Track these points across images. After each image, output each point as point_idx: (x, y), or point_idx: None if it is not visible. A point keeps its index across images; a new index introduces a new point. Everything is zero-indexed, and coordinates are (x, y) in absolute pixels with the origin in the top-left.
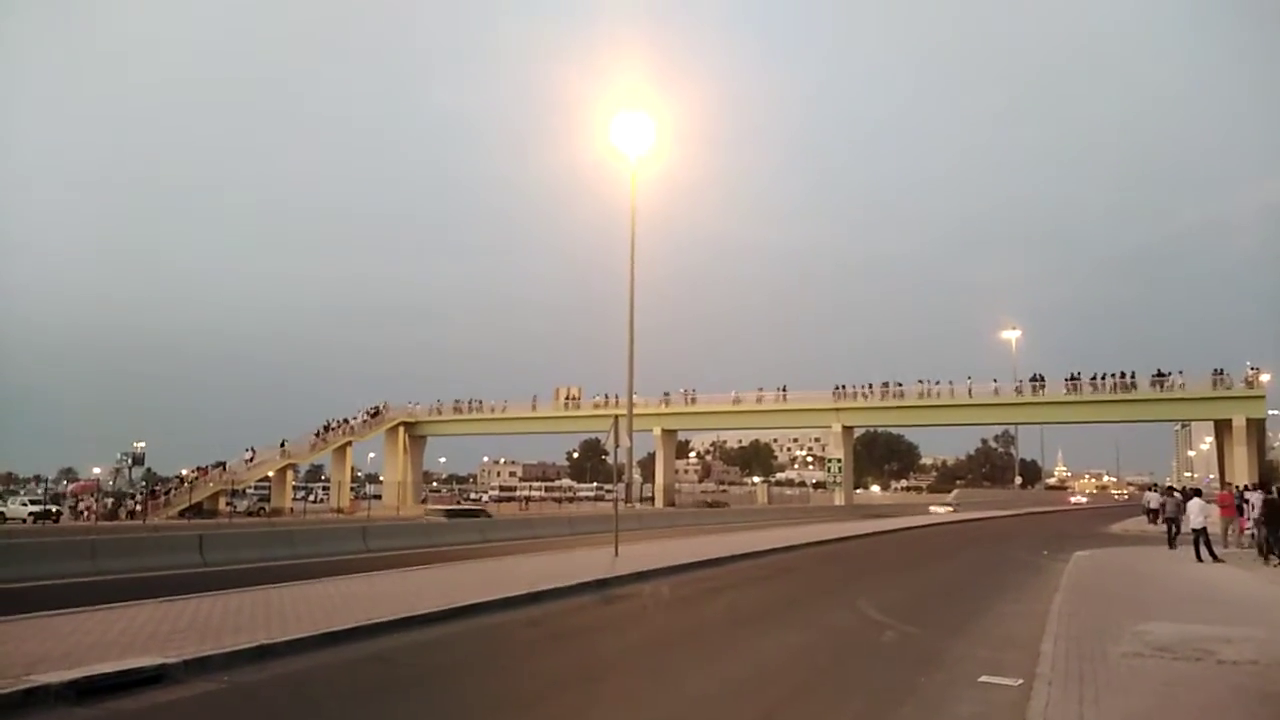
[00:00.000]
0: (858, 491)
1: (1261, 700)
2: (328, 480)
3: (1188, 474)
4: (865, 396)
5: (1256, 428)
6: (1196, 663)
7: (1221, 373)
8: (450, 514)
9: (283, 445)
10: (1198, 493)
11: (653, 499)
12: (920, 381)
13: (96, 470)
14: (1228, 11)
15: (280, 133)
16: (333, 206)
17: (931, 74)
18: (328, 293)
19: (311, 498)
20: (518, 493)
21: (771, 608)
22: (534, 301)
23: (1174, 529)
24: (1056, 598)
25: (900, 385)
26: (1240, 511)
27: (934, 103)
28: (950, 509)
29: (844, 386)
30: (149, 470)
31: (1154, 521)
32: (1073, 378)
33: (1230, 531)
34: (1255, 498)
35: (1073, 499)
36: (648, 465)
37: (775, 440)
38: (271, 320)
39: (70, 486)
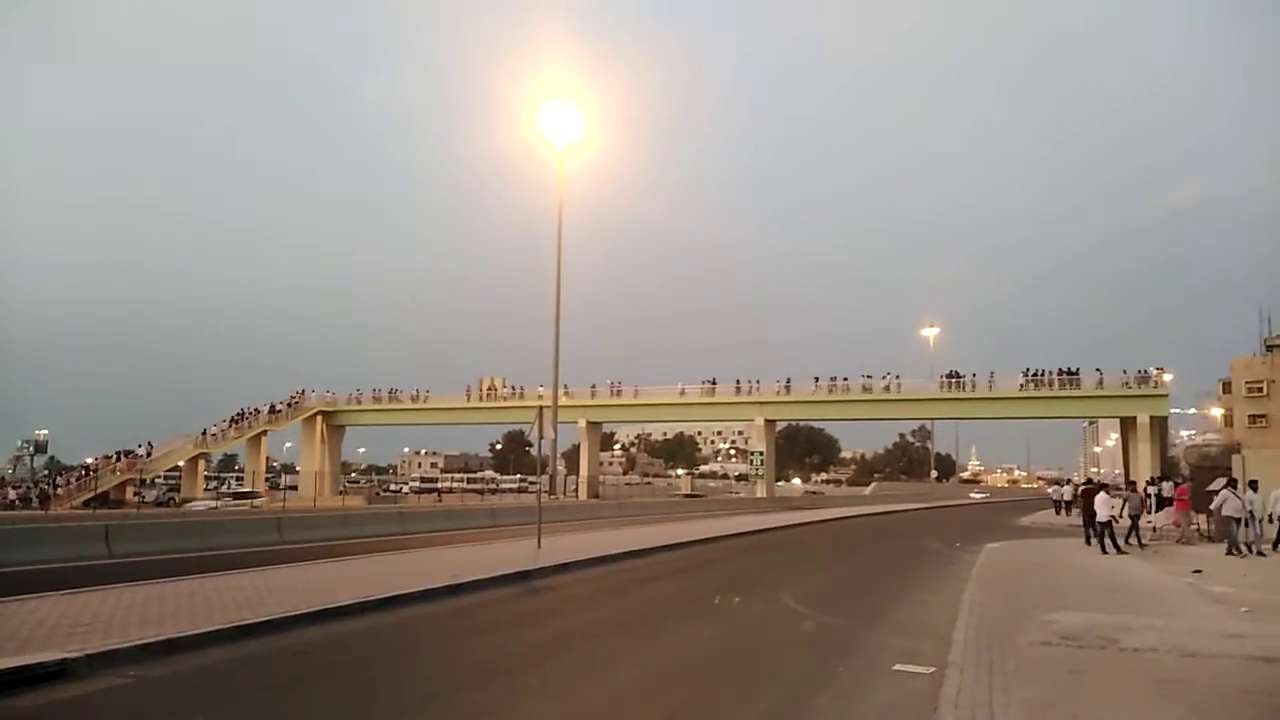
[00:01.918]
0: (779, 484)
1: (1159, 685)
2: (241, 470)
3: (1094, 469)
4: (787, 390)
5: (1159, 425)
6: (1101, 651)
7: (1140, 373)
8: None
9: (205, 433)
10: (1104, 487)
11: (577, 491)
12: (862, 377)
13: None
14: (1139, 22)
15: (205, 121)
16: (250, 196)
17: (854, 76)
18: (245, 282)
19: (225, 488)
20: (439, 484)
21: (694, 598)
22: (459, 291)
23: (1135, 524)
24: (968, 588)
25: (843, 380)
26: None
27: (856, 106)
28: (985, 495)
29: (765, 383)
30: (52, 459)
31: (1062, 513)
32: (1040, 373)
33: (1188, 527)
34: (1225, 491)
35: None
36: (572, 457)
37: (699, 433)
38: (183, 309)
39: None
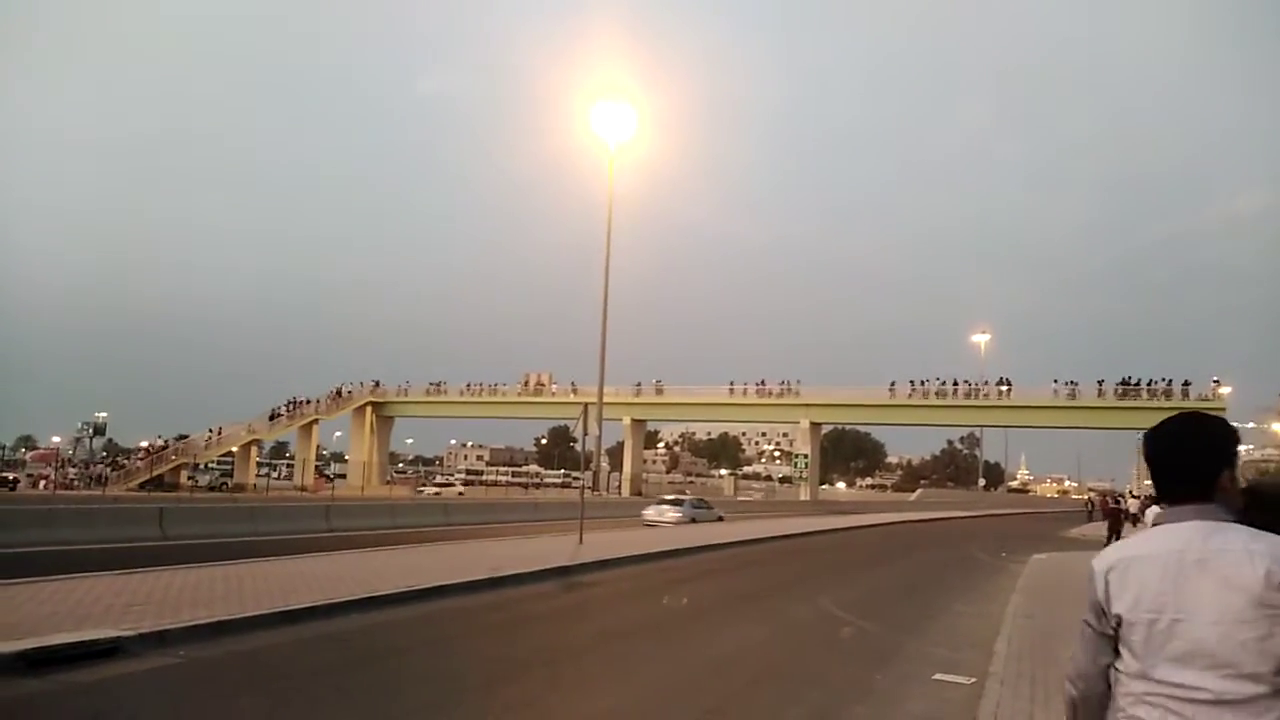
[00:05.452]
0: (823, 488)
1: None
2: (292, 458)
3: (1147, 481)
4: (827, 393)
5: None
6: None
7: (1189, 384)
8: None
9: (272, 418)
10: (1155, 500)
11: (620, 488)
12: (912, 383)
13: (56, 439)
14: (1196, 34)
15: (267, 118)
16: (313, 187)
17: (908, 83)
18: (297, 273)
19: (275, 475)
20: (484, 477)
21: (732, 600)
22: (509, 288)
23: None
24: (1013, 599)
25: (891, 384)
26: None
27: (907, 113)
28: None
29: (811, 385)
30: (110, 441)
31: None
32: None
33: None
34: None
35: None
36: (616, 454)
37: (743, 434)
38: (243, 297)
39: (29, 455)
